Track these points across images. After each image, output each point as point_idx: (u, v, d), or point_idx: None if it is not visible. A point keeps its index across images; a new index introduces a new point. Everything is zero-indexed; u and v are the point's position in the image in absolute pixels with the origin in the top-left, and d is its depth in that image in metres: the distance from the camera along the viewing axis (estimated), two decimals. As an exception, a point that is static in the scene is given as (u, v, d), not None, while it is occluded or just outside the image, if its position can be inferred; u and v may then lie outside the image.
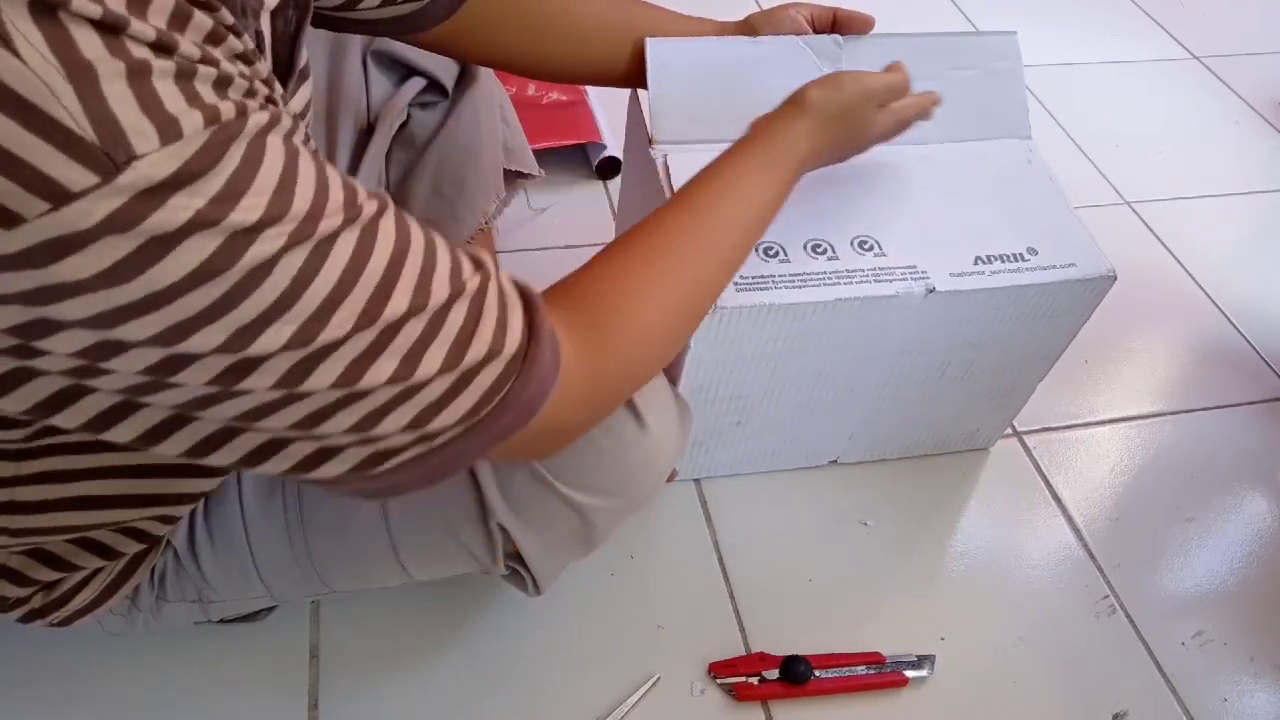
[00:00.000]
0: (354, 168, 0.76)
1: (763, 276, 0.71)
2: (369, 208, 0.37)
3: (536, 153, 0.97)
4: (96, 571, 0.58)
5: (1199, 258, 1.23)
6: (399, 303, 0.37)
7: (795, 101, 0.64)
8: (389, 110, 0.78)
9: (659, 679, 0.77)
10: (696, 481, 0.91)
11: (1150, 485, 0.97)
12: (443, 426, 0.41)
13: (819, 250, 0.74)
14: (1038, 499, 0.94)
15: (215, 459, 0.40)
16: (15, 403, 0.36)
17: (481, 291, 0.41)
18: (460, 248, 0.42)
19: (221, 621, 0.73)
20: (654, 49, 0.73)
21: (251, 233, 0.32)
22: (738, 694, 0.76)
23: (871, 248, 0.75)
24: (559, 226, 1.15)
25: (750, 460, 0.89)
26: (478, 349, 0.40)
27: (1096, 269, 0.76)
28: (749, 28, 0.76)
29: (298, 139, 0.34)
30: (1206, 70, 1.59)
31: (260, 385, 0.35)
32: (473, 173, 0.88)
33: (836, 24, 0.76)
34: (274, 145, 0.32)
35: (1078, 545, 0.90)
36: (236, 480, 0.60)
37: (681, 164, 0.75)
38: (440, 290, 0.39)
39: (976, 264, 0.75)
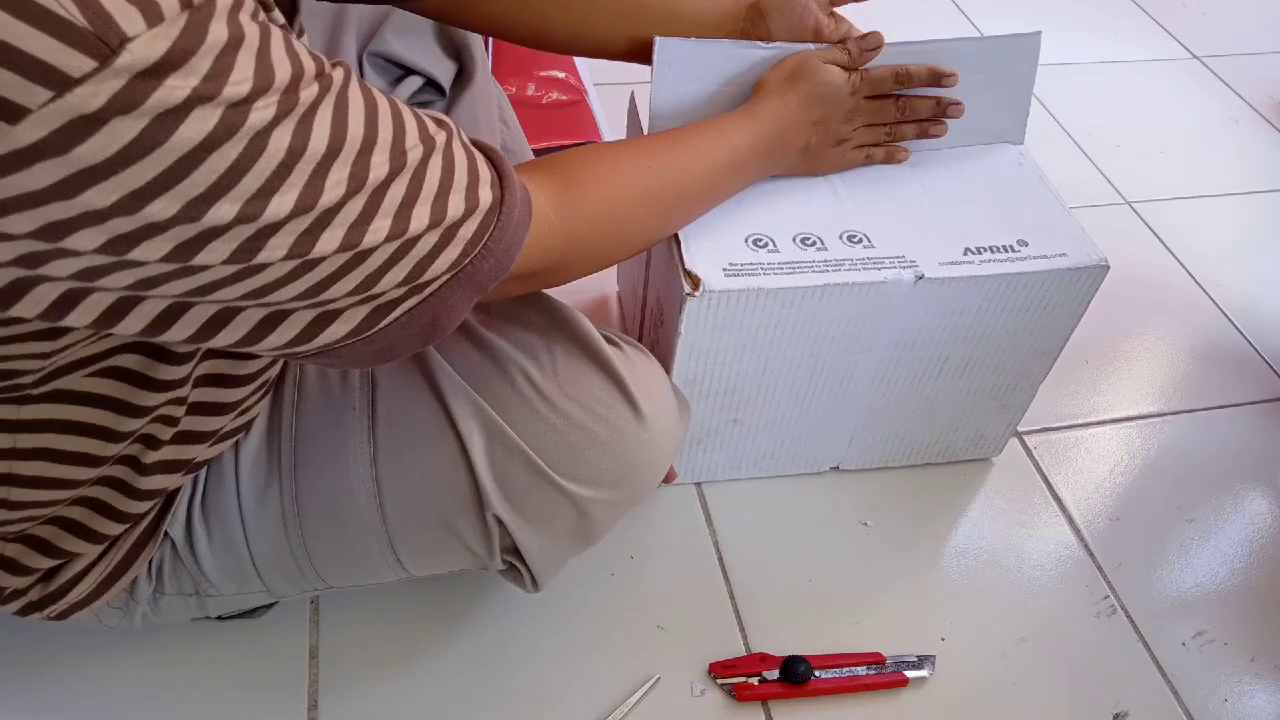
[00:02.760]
0: None
1: (752, 264, 0.72)
2: (337, 76, 0.39)
3: (537, 152, 0.97)
4: (94, 564, 0.58)
5: (1199, 257, 1.23)
6: (380, 164, 0.40)
7: (754, 88, 0.74)
8: None
9: (659, 679, 0.77)
10: (697, 482, 0.91)
11: (1150, 485, 0.97)
12: (434, 276, 0.45)
13: (808, 242, 0.74)
14: (1038, 499, 0.94)
15: (220, 339, 0.42)
16: (27, 308, 0.38)
17: (449, 145, 0.45)
18: (419, 109, 0.45)
19: (220, 619, 0.73)
20: (661, 49, 0.72)
21: (244, 105, 0.33)
22: (738, 694, 0.76)
23: (860, 240, 0.75)
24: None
25: (749, 463, 0.89)
26: (456, 202, 0.44)
27: (1088, 258, 0.76)
28: (758, 11, 0.74)
29: (261, 17, 0.36)
30: (1206, 70, 1.59)
31: (274, 258, 0.37)
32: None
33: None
34: (247, 23, 0.34)
35: (1078, 545, 0.90)
36: (234, 473, 0.60)
37: None
38: (414, 149, 0.42)
39: (966, 254, 0.75)
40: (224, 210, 0.35)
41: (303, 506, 0.60)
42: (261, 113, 0.34)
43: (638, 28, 0.73)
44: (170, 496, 0.59)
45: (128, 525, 0.58)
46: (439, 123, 0.45)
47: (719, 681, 0.77)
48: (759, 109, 0.71)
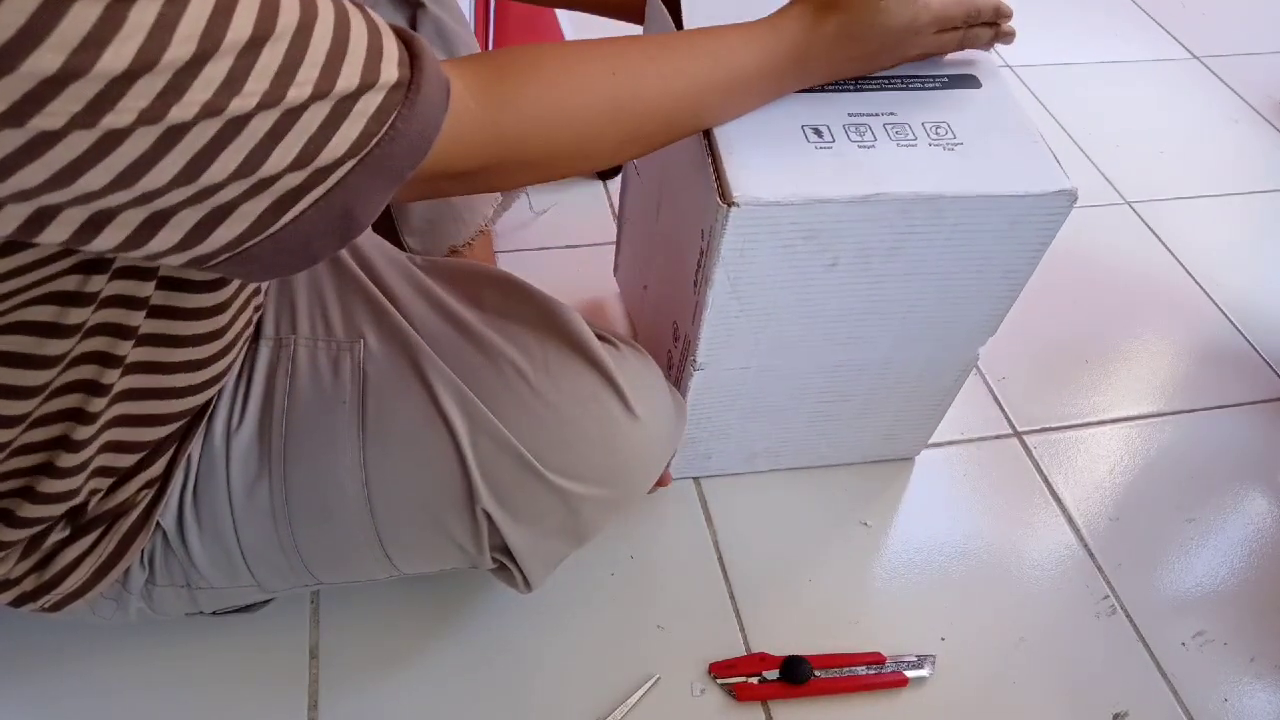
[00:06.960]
0: None
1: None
2: None
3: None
4: (88, 552, 0.58)
5: (1199, 258, 1.23)
6: (242, 25, 0.35)
7: None
8: None
9: (659, 679, 0.77)
10: (696, 481, 0.91)
11: (1150, 485, 0.97)
12: (334, 159, 0.40)
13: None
14: (1038, 499, 0.94)
15: (99, 243, 0.38)
16: None
17: (344, 15, 0.40)
18: None
19: (214, 614, 0.73)
20: None
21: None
22: (738, 694, 0.76)
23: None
24: (559, 227, 1.15)
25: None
26: (350, 74, 0.39)
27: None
28: None
29: None
30: (1206, 70, 1.59)
31: (122, 122, 0.34)
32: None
33: None
34: None
35: (1078, 545, 0.90)
36: (225, 464, 0.60)
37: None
38: (289, 12, 0.37)
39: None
40: (46, 60, 0.30)
41: (291, 499, 0.60)
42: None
43: None
44: (163, 484, 0.59)
45: (71, 488, 0.55)
46: None
47: (719, 681, 0.77)
48: (782, 29, 0.61)
